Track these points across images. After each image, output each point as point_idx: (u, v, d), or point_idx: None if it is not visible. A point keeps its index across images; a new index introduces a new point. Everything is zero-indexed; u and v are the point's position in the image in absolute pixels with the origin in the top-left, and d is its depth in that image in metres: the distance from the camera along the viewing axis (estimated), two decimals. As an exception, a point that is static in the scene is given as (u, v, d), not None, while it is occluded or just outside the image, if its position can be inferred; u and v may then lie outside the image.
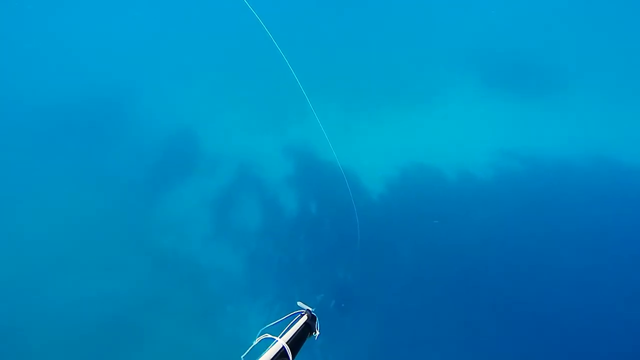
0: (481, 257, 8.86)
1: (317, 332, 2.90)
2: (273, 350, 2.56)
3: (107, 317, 7.37)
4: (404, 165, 11.22)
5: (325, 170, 10.50)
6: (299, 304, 3.03)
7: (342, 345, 8.75)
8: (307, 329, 2.85)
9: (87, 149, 9.11)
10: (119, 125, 9.37)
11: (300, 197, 10.34)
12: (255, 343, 2.76)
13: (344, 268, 9.69)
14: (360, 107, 12.08)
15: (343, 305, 8.16)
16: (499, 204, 9.79)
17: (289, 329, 2.84)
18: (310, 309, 2.98)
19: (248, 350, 2.73)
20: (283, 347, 2.60)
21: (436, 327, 8.09)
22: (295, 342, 2.64)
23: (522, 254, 8.73)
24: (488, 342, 7.88)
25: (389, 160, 10.78)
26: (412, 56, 13.06)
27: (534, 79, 12.94)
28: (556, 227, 9.36)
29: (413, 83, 13.16)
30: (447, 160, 10.78)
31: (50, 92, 9.48)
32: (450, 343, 8.09)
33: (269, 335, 2.77)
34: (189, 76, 10.13)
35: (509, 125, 11.89)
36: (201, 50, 10.56)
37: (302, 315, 2.91)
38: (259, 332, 2.82)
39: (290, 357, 2.57)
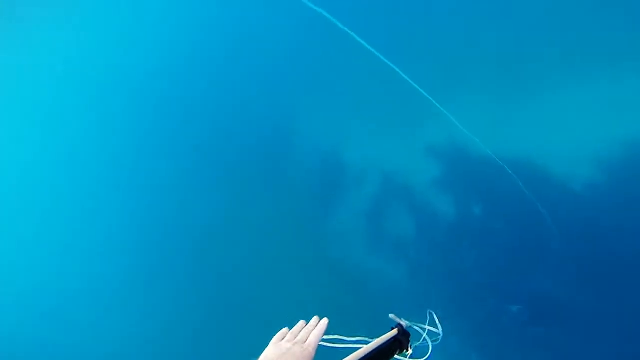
0: None
1: (410, 351, 2.71)
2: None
3: (285, 316, 8.59)
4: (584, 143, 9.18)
5: (478, 165, 9.52)
6: (391, 316, 2.87)
7: None
8: (397, 344, 2.66)
9: (255, 174, 11.21)
10: (277, 157, 11.27)
11: (455, 199, 9.64)
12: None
13: (534, 274, 8.48)
14: (497, 90, 10.56)
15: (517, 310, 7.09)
16: None
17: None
18: (402, 323, 2.79)
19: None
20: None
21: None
22: (383, 354, 2.50)
23: None
24: None
25: (559, 139, 9.01)
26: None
27: None
28: None
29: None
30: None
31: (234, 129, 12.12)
32: None
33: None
34: (320, 106, 11.36)
35: None
36: (316, 80, 11.67)
37: (393, 329, 2.74)
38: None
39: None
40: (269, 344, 2.24)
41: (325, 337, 2.38)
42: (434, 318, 2.90)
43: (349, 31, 10.62)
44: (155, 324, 9.94)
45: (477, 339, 7.82)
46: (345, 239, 9.89)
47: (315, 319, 2.46)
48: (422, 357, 2.68)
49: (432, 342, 2.73)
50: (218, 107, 12.28)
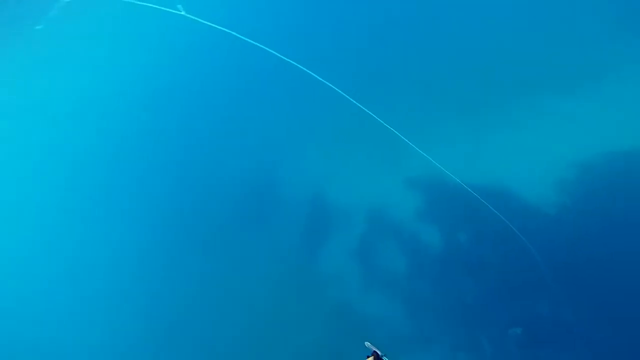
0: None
1: None
2: None
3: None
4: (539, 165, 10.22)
5: (457, 197, 10.14)
6: (367, 344, 2.94)
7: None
8: None
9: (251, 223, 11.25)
10: (273, 203, 11.59)
11: (442, 232, 10.13)
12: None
13: (526, 298, 8.63)
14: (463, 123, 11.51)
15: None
16: None
17: None
18: (378, 351, 2.90)
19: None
20: None
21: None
22: None
23: None
24: None
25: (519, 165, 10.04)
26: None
27: None
28: None
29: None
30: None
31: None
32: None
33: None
34: (304, 157, 12.36)
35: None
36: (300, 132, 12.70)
37: (369, 357, 2.94)
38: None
39: None
40: None
41: None
42: None
43: (331, 85, 11.59)
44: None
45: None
46: (339, 278, 9.98)
47: None
48: None
49: None
50: (208, 158, 12.70)
